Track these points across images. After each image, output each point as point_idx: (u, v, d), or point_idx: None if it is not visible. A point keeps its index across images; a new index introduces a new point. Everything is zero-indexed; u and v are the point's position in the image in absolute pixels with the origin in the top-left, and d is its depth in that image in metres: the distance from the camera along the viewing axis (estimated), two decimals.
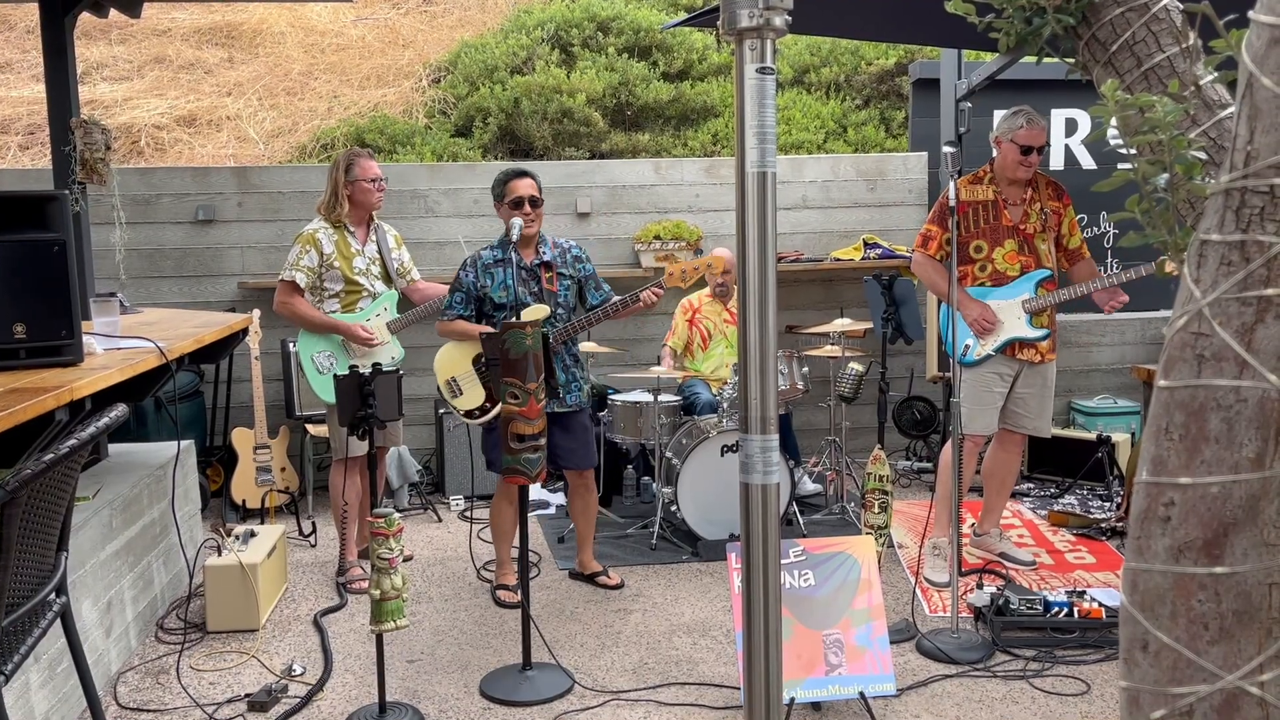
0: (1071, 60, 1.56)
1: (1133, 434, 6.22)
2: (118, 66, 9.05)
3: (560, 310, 4.34)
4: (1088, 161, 6.79)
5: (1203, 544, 0.95)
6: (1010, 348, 4.43)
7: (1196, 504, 0.95)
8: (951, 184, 3.87)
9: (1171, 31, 1.40)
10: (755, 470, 1.80)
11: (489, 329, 4.20)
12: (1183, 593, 0.96)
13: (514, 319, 4.19)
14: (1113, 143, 6.78)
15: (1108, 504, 5.63)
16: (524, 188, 4.27)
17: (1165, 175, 1.09)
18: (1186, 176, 1.08)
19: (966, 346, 4.44)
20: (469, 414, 4.34)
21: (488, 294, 4.28)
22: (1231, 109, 1.33)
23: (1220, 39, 1.02)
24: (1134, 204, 1.15)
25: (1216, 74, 1.34)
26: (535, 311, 4.24)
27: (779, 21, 1.70)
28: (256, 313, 5.40)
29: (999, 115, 4.55)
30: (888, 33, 6.32)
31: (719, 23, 1.70)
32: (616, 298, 4.41)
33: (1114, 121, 1.24)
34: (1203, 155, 1.16)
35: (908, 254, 5.97)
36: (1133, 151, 1.21)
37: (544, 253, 4.35)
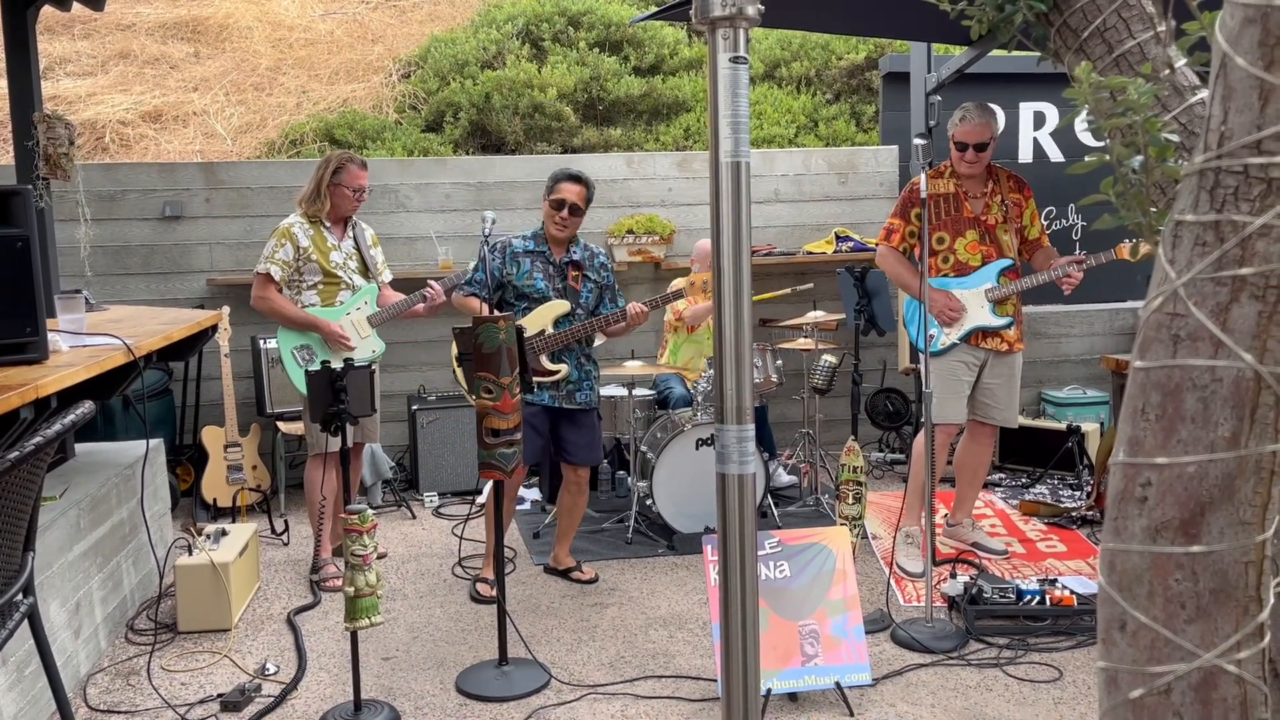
0: (1041, 50, 1.56)
1: (1102, 424, 6.28)
2: (81, 62, 8.92)
3: (579, 311, 4.33)
4: (1056, 154, 6.85)
5: (1179, 523, 0.96)
6: (975, 336, 4.47)
7: (1173, 484, 0.96)
8: (922, 176, 3.89)
9: (1142, 17, 1.41)
10: (732, 460, 1.80)
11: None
12: (1160, 572, 0.97)
13: (532, 310, 4.20)
14: (1079, 132, 6.83)
15: (1078, 493, 5.68)
16: (568, 192, 4.26)
17: (1139, 158, 1.10)
18: (1159, 159, 1.08)
19: (931, 336, 4.47)
20: None
21: (511, 282, 4.27)
22: (1202, 94, 1.35)
23: (1193, 21, 1.02)
24: (1108, 187, 1.16)
25: (1187, 59, 1.35)
26: (556, 306, 4.24)
27: (751, 11, 1.70)
28: (226, 309, 5.34)
29: None
30: (858, 27, 6.34)
31: (691, 12, 1.69)
32: (611, 313, 4.35)
33: (1084, 109, 1.25)
34: (1175, 138, 1.16)
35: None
36: (1106, 140, 1.22)
37: (574, 252, 4.36)
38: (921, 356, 4.27)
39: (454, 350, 4.40)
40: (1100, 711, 1.01)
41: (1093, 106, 1.09)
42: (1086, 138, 6.84)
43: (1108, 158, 1.14)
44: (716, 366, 1.74)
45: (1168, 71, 1.35)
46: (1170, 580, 0.96)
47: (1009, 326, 4.47)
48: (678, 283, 5.82)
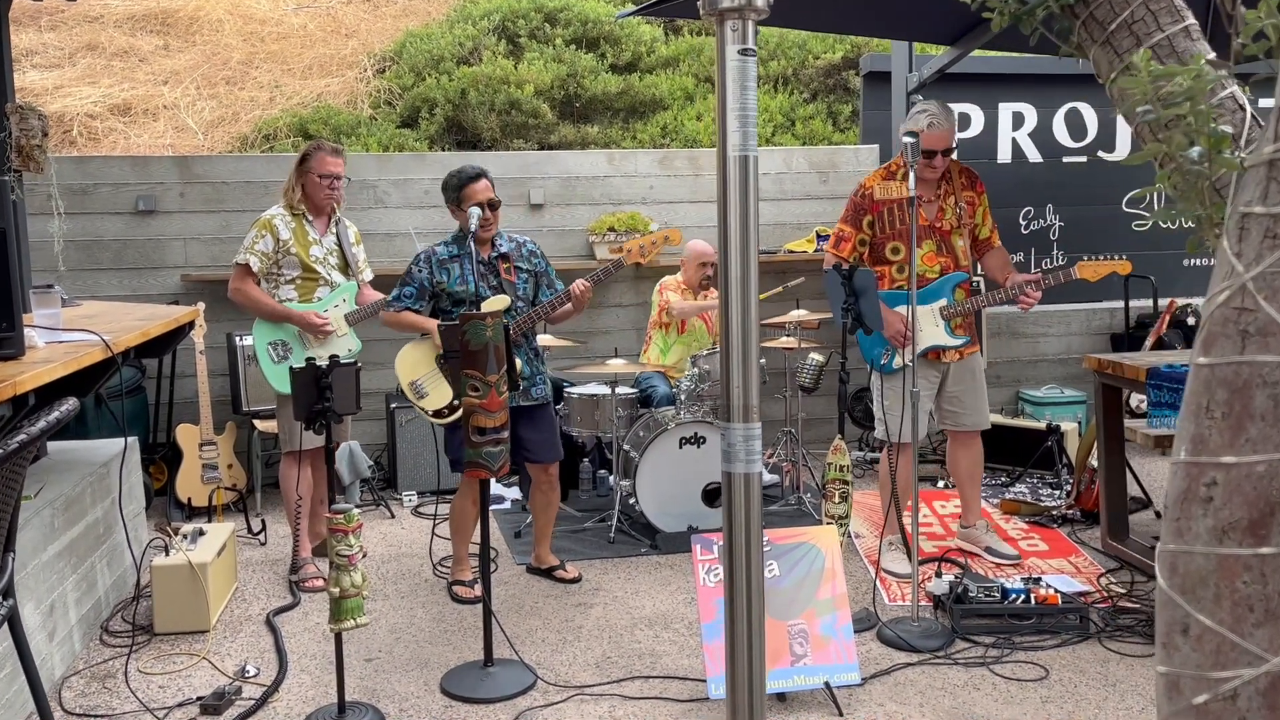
0: (1063, 43, 1.54)
1: (1079, 423, 6.32)
2: (48, 54, 8.76)
3: (519, 303, 4.28)
4: (1035, 154, 6.88)
5: (1248, 524, 0.94)
6: (930, 353, 4.43)
7: (1241, 483, 0.94)
8: (911, 175, 3.87)
9: (1170, 10, 1.39)
10: (738, 459, 1.77)
11: (437, 323, 4.12)
12: (1226, 575, 0.94)
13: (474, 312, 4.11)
14: (1057, 133, 6.87)
15: (1057, 492, 5.71)
16: (481, 191, 4.18)
17: (1196, 149, 1.08)
18: (1215, 150, 1.07)
19: (886, 354, 4.42)
20: (437, 414, 4.25)
21: (445, 289, 4.21)
22: (1232, 88, 1.33)
23: (1253, 10, 1.00)
24: (1164, 179, 1.14)
25: (1214, 55, 1.34)
26: (497, 302, 4.18)
27: (760, 2, 1.67)
28: (202, 305, 5.25)
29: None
30: (844, 25, 6.34)
31: (700, 4, 1.66)
32: (555, 296, 4.30)
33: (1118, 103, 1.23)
34: (1229, 129, 1.15)
35: None
36: (1164, 131, 1.19)
37: (500, 245, 4.30)
38: (880, 376, 4.37)
39: (398, 365, 4.30)
40: (1160, 717, 0.99)
41: (1150, 95, 1.07)
42: (1064, 138, 6.88)
43: (1164, 149, 1.12)
44: (723, 363, 1.71)
45: (1208, 60, 1.33)
46: (1238, 582, 0.93)
47: (966, 344, 4.44)
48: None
